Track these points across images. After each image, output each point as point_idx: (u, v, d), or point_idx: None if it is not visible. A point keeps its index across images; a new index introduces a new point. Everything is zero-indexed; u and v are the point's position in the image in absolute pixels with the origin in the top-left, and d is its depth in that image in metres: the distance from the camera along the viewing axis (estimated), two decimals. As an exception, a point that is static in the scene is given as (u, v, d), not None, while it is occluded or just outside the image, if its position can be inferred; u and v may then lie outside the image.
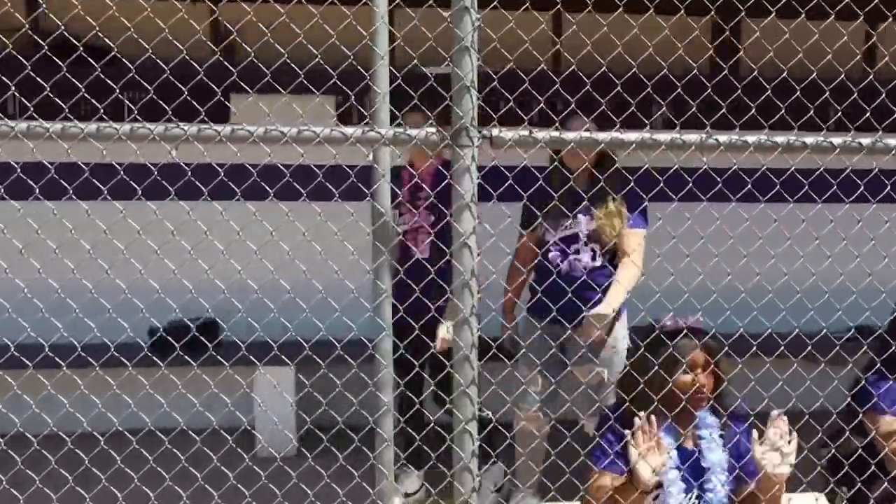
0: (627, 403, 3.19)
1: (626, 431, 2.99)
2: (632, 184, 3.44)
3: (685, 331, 3.21)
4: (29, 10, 5.06)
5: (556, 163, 4.14)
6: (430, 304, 3.95)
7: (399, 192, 4.57)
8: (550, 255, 4.42)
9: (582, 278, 4.11)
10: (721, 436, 3.25)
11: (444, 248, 4.20)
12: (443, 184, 4.13)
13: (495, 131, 2.65)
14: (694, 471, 3.18)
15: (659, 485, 3.08)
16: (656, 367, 3.10)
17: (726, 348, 3.28)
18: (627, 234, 4.34)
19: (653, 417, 2.95)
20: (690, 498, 3.16)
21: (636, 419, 2.97)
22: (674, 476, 3.13)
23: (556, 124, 3.52)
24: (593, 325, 4.14)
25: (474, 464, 2.71)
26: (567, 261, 4.40)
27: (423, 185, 4.55)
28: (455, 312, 4.00)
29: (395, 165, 4.41)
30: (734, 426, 3.29)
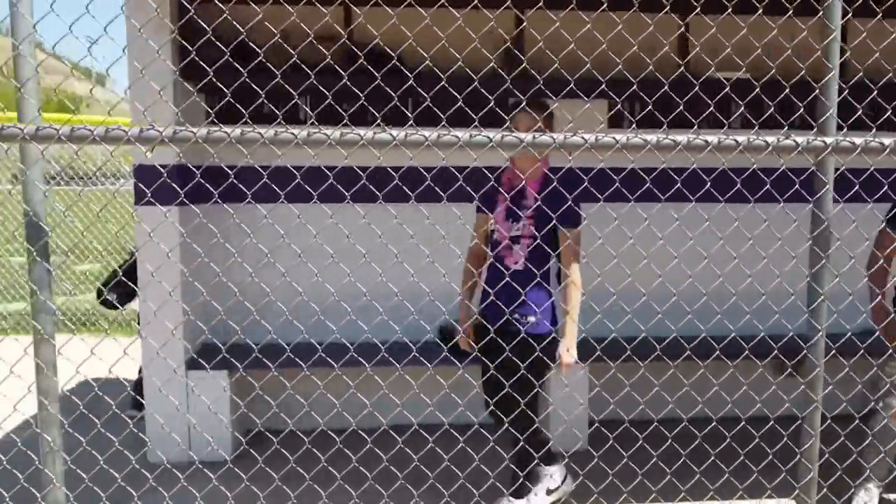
0: None
1: None
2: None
3: None
4: (346, 23, 5.11)
5: None
6: (521, 311, 3.80)
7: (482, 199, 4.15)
8: None
9: None
10: None
11: (545, 259, 3.85)
12: (547, 190, 3.80)
13: None
14: None
15: None
16: None
17: None
18: None
19: None
20: None
21: None
22: None
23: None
24: None
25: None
26: None
27: (527, 193, 3.96)
28: (572, 332, 3.79)
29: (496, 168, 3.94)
30: None
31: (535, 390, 3.75)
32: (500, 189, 4.03)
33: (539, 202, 3.85)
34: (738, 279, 3.58)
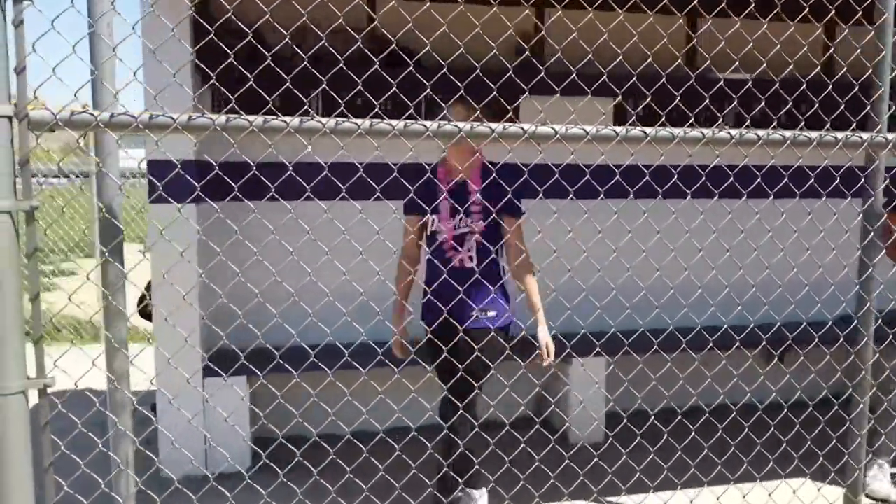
0: None
1: None
2: None
3: None
4: (369, 20, 5.07)
5: None
6: (475, 311, 3.67)
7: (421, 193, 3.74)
8: None
9: None
10: None
11: (493, 253, 3.62)
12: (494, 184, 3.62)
13: None
14: None
15: None
16: None
17: None
18: None
19: None
20: None
21: None
22: None
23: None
24: None
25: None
26: None
27: (469, 187, 3.72)
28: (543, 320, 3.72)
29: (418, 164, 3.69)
30: None
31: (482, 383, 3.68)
32: (438, 186, 3.80)
33: (486, 195, 3.68)
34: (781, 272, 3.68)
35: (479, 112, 3.58)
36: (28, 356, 1.96)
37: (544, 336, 3.77)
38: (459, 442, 3.64)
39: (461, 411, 3.63)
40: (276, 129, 2.13)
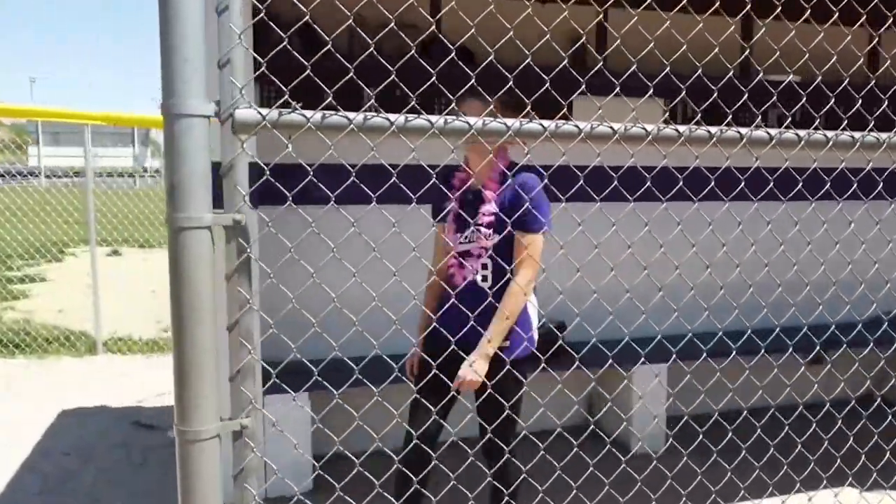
0: None
1: None
2: None
3: None
4: (433, 12, 5.03)
5: None
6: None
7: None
8: None
9: None
10: None
11: (508, 272, 3.12)
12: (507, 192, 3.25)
13: None
14: None
15: None
16: None
17: None
18: None
19: None
20: None
21: None
22: None
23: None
24: None
25: None
26: None
27: (485, 196, 3.32)
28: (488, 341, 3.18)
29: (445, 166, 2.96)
30: None
31: (516, 422, 3.31)
32: (451, 193, 3.32)
33: (501, 205, 3.26)
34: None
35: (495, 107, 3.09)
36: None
37: (465, 369, 3.23)
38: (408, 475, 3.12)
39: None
40: (422, 130, 1.88)
